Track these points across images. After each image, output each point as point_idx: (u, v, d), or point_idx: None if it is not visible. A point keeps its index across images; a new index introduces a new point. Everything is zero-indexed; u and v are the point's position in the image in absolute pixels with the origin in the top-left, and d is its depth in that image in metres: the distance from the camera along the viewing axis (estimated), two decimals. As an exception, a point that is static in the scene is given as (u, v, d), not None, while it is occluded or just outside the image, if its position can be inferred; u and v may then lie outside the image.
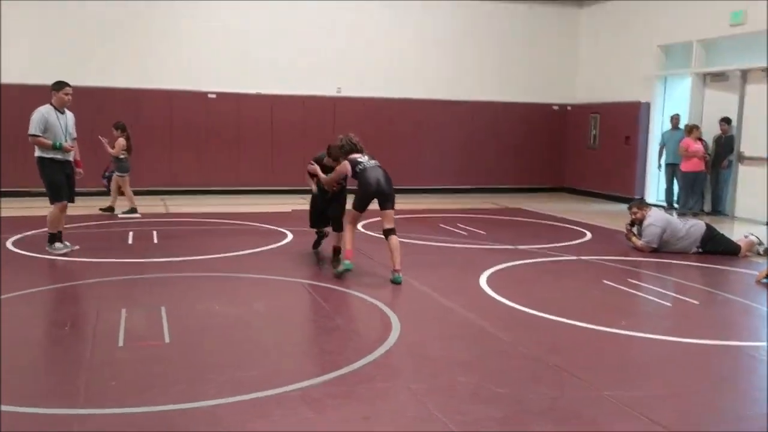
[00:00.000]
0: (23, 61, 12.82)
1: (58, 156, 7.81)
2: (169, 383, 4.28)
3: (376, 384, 4.34)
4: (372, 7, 14.99)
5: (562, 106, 16.47)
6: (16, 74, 12.75)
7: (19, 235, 8.90)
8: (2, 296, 6.05)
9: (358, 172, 7.03)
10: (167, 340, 5.06)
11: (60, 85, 7.90)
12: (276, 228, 10.00)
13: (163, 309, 5.72)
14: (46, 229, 8.10)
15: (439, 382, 4.37)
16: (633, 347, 5.23)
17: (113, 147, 11.11)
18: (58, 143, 7.72)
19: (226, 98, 14.29)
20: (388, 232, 7.03)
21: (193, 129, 14.20)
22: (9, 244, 8.37)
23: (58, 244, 8.00)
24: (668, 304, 6.42)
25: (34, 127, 7.68)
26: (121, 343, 4.93)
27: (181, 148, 14.16)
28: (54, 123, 7.74)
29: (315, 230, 8.20)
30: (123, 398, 4.02)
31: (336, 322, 5.81)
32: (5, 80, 12.75)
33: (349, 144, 7.28)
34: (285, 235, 9.44)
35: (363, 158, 7.14)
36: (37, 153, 7.81)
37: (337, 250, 7.73)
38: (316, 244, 8.28)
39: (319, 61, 14.69)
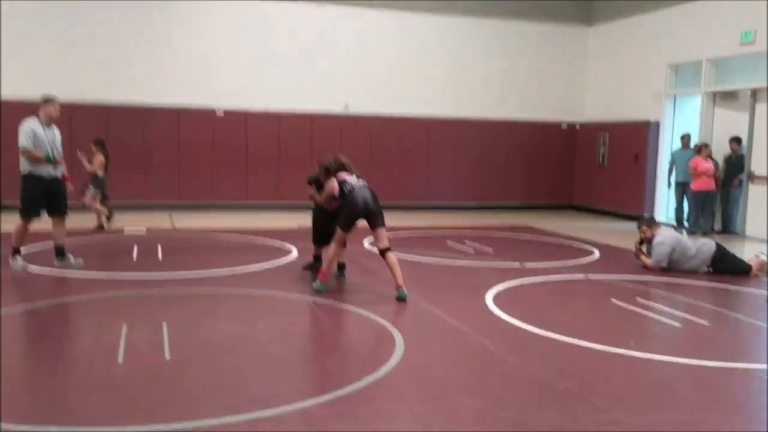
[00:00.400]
0: (28, 78, 12.82)
1: (46, 173, 7.67)
2: (167, 402, 4.19)
3: (377, 405, 4.24)
4: (380, 25, 15.01)
5: (571, 125, 16.40)
6: (20, 89, 12.73)
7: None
8: (2, 311, 5.99)
9: (345, 193, 7.01)
10: (167, 357, 4.98)
11: (48, 100, 7.81)
12: (281, 244, 9.93)
13: (164, 325, 5.64)
14: (51, 243, 8.06)
15: (443, 405, 4.26)
16: (642, 370, 5.09)
17: (91, 163, 11.02)
18: (49, 156, 7.62)
19: (234, 115, 14.30)
20: (383, 252, 6.98)
21: (200, 146, 14.20)
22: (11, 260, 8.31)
23: (18, 258, 7.84)
24: (678, 324, 6.28)
25: (22, 139, 7.54)
26: (120, 360, 4.85)
27: (188, 164, 14.16)
28: (41, 137, 7.63)
29: (314, 251, 8.06)
30: (118, 417, 3.93)
31: (338, 340, 5.72)
32: (6, 97, 12.72)
33: (335, 163, 7.27)
34: (290, 252, 9.37)
35: (350, 177, 7.13)
36: (25, 169, 7.64)
37: (340, 266, 7.80)
38: (310, 267, 8.06)
39: (328, 78, 14.70)
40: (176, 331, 5.58)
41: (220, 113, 14.20)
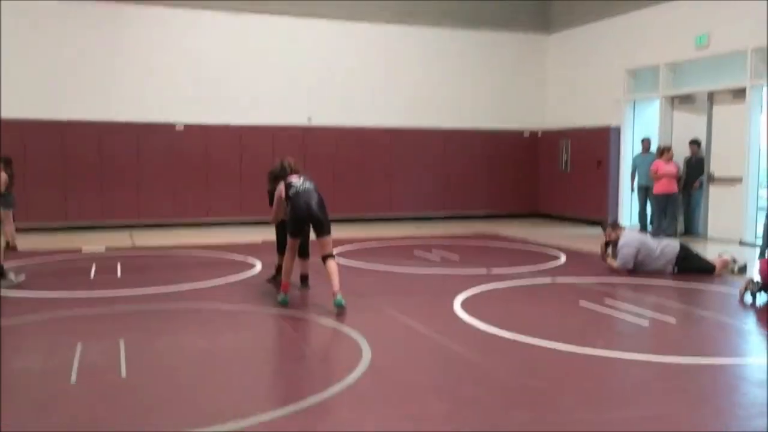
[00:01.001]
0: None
1: None
2: (122, 420, 4.00)
3: (342, 414, 4.11)
4: (342, 36, 14.97)
5: (533, 132, 16.51)
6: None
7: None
8: (-50, 334, 5.73)
9: (290, 196, 6.78)
10: (123, 375, 4.78)
11: None
12: (245, 258, 9.75)
13: (121, 342, 5.44)
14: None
15: (410, 409, 4.14)
16: (611, 369, 5.04)
17: None
18: None
19: (193, 130, 14.07)
20: (325, 258, 6.68)
21: (160, 162, 13.94)
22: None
23: None
24: (645, 324, 6.26)
25: None
26: (73, 380, 4.64)
27: (148, 181, 13.88)
28: None
29: (277, 262, 7.90)
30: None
31: (303, 351, 5.58)
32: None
33: (282, 169, 7.11)
34: (253, 266, 9.19)
35: (297, 181, 6.89)
36: None
37: (303, 277, 7.62)
38: (272, 279, 7.88)
39: (290, 91, 14.59)
40: (134, 349, 5.38)
41: (179, 128, 13.96)
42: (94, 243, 11.28)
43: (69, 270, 9.22)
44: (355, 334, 5.73)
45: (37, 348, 5.68)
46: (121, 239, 12.10)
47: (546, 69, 16.49)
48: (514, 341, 5.59)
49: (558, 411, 4.11)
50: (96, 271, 8.86)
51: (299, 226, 6.80)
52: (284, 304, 6.80)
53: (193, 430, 3.76)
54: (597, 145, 14.78)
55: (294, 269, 7.13)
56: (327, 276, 6.68)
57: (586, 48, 15.28)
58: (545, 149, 16.36)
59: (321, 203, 6.78)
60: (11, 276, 7.78)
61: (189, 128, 14.03)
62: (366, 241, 11.70)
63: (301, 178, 6.96)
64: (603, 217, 13.72)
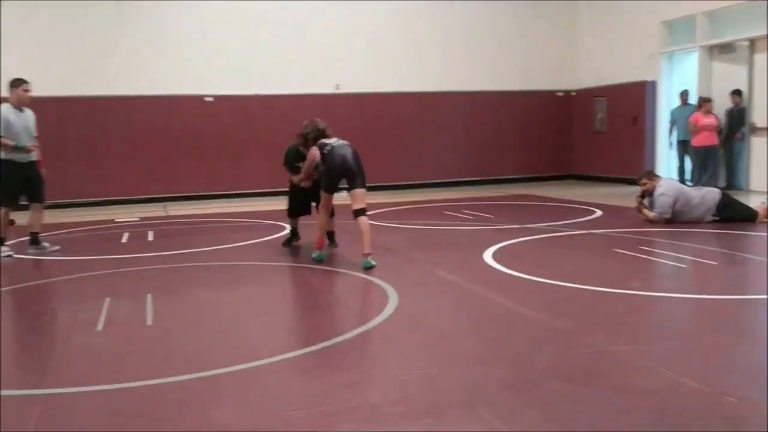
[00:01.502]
0: (11, 74, 12.55)
1: (19, 158, 7.43)
2: (146, 361, 3.98)
3: (367, 352, 4.02)
4: (366, 5, 14.73)
5: (567, 92, 16.11)
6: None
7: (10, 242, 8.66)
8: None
9: (325, 154, 6.59)
10: (149, 323, 4.76)
11: (18, 82, 7.53)
12: (274, 223, 9.70)
13: (149, 297, 5.42)
14: (32, 232, 7.79)
15: (438, 349, 4.03)
16: (648, 306, 4.86)
17: None
18: (20, 144, 7.36)
19: (223, 101, 14.05)
20: (357, 213, 6.47)
21: (191, 134, 13.95)
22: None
23: (4, 248, 7.54)
24: (684, 266, 6.04)
25: None
26: (100, 328, 4.64)
27: (180, 153, 13.91)
28: (14, 122, 7.37)
29: (290, 224, 7.80)
30: (92, 378, 3.72)
31: (329, 299, 5.51)
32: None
33: (314, 131, 6.88)
34: (283, 228, 9.13)
35: (331, 140, 6.71)
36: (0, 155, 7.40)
37: (330, 234, 7.42)
38: (287, 242, 7.78)
39: (316, 59, 14.43)
40: (161, 301, 5.37)
41: (209, 99, 13.96)
42: (127, 215, 11.36)
43: (101, 237, 9.30)
44: (383, 284, 5.62)
45: (67, 301, 5.71)
46: (154, 211, 12.18)
47: (578, 26, 16.03)
48: (545, 283, 5.43)
49: (589, 346, 3.96)
50: (128, 238, 8.91)
51: (335, 180, 6.62)
52: (320, 260, 6.65)
53: (217, 371, 3.71)
54: (632, 102, 14.35)
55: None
56: (359, 235, 6.48)
57: (618, 2, 14.79)
58: (579, 109, 15.96)
59: (356, 157, 6.58)
60: (46, 244, 7.81)
61: (218, 99, 14.01)
62: (394, 205, 11.57)
63: (334, 138, 6.84)
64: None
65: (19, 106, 7.51)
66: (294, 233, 7.73)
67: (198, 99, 13.94)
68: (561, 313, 4.60)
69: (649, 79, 14.00)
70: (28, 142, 7.49)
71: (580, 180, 15.81)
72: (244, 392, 3.43)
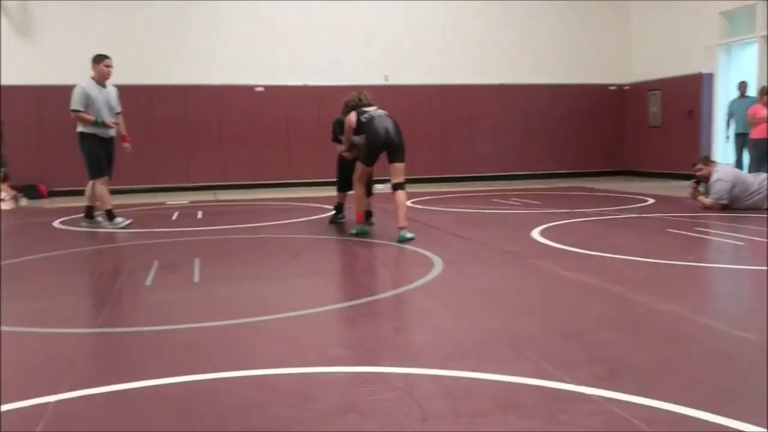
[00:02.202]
0: (67, 61, 12.96)
1: (101, 132, 7.62)
2: (193, 308, 4.03)
3: (412, 305, 4.00)
4: (418, -2, 14.76)
5: (619, 86, 15.81)
6: (61, 75, 12.89)
7: (65, 218, 8.92)
8: (46, 254, 5.96)
9: (363, 122, 6.46)
10: (196, 280, 4.83)
11: (100, 58, 7.71)
12: (321, 206, 9.76)
13: (197, 261, 5.50)
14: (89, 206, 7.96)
15: (483, 303, 3.99)
16: (703, 275, 4.72)
17: None
18: (99, 120, 7.52)
19: (273, 91, 14.22)
20: (396, 186, 6.41)
21: (241, 123, 14.15)
22: (56, 224, 8.37)
23: (118, 219, 7.68)
24: (742, 243, 5.84)
25: (75, 102, 7.50)
26: (148, 283, 4.72)
27: (230, 142, 14.12)
28: (95, 97, 7.53)
29: (337, 199, 7.82)
30: (137, 322, 3.79)
31: (374, 264, 5.49)
32: (45, 81, 12.90)
33: (355, 99, 6.83)
34: (331, 210, 9.18)
35: (370, 108, 6.62)
36: (78, 128, 7.62)
37: (367, 213, 7.34)
38: (333, 220, 7.79)
39: (366, 50, 14.49)
40: (209, 265, 5.44)
41: (259, 89, 14.14)
42: (177, 199, 11.58)
43: (152, 215, 9.49)
44: (427, 253, 5.58)
45: (119, 264, 5.84)
46: (204, 196, 12.38)
47: (631, 18, 15.74)
48: (595, 255, 5.32)
49: (640, 304, 3.85)
50: (178, 216, 9.07)
51: (376, 152, 6.51)
52: (363, 233, 6.59)
53: (264, 317, 3.73)
54: (688, 95, 14.00)
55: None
56: (394, 209, 6.43)
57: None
58: (632, 102, 15.64)
59: (398, 129, 6.49)
60: (119, 219, 7.90)
61: (268, 89, 14.18)
62: (441, 194, 11.52)
63: (373, 107, 6.79)
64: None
65: (100, 82, 7.66)
66: (339, 209, 7.73)
67: (248, 89, 14.13)
68: (612, 279, 4.49)
69: (705, 71, 13.64)
70: (109, 118, 7.64)
71: (633, 175, 15.48)
72: (291, 334, 3.45)
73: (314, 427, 2.28)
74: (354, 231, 6.67)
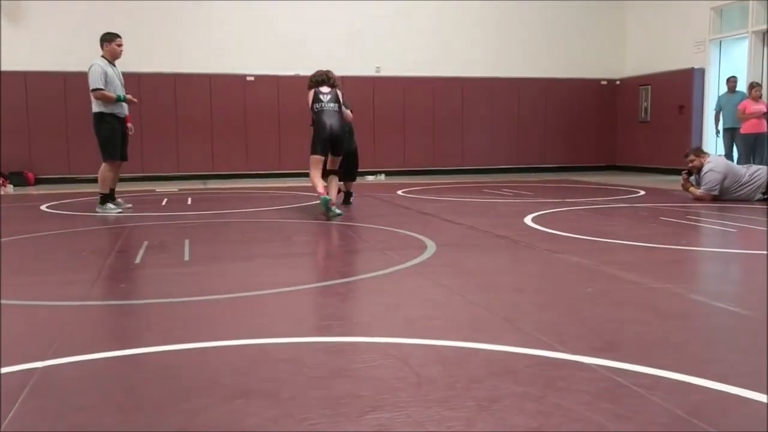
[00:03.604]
0: (54, 49, 12.82)
1: (121, 111, 7.47)
2: (183, 284, 3.97)
3: (405, 283, 3.95)
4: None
5: (611, 80, 15.84)
6: (48, 62, 12.76)
7: (53, 202, 8.81)
8: (35, 234, 5.89)
9: (315, 111, 6.95)
10: (186, 258, 4.77)
11: (111, 36, 7.55)
12: (312, 194, 9.70)
13: (186, 242, 5.44)
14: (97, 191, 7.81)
15: (477, 281, 3.96)
16: (697, 259, 4.71)
17: None
18: (122, 96, 7.42)
19: (264, 81, 14.13)
20: (328, 173, 7.01)
21: (232, 113, 14.06)
22: (44, 207, 8.27)
23: (109, 205, 7.60)
24: (733, 230, 5.84)
25: (95, 81, 7.26)
26: (138, 261, 4.66)
27: (221, 132, 14.02)
28: (112, 76, 7.40)
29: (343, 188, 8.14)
30: (127, 295, 3.73)
31: (366, 245, 5.45)
32: (34, 68, 12.76)
33: (318, 75, 7.19)
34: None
35: (325, 97, 6.97)
36: (96, 108, 7.37)
37: (348, 194, 8.10)
38: (346, 201, 8.14)
39: (358, 41, 14.43)
40: (199, 245, 5.38)
41: (250, 78, 14.05)
42: (166, 188, 11.48)
43: (142, 201, 9.39)
44: (420, 236, 5.55)
45: (108, 244, 5.77)
46: (193, 185, 12.29)
47: (624, 12, 15.77)
48: (586, 240, 5.30)
49: (634, 283, 3.83)
50: (167, 202, 8.99)
51: (322, 144, 6.91)
52: (325, 203, 6.67)
53: (258, 292, 3.69)
54: (679, 90, 14.03)
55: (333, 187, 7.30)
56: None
57: (667, -11, 14.51)
58: (623, 97, 15.67)
59: (342, 127, 6.94)
60: (120, 201, 7.88)
61: (259, 79, 14.09)
62: (431, 185, 11.49)
63: (329, 95, 6.98)
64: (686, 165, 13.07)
65: (112, 61, 7.55)
66: (347, 196, 8.17)
67: (240, 78, 14.04)
68: (604, 260, 4.47)
69: (696, 66, 13.68)
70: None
71: (623, 170, 15.52)
72: (282, 307, 3.41)
73: (308, 390, 2.24)
74: (321, 200, 6.73)
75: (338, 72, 13.99)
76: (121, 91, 7.50)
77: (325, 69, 7.39)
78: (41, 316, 3.31)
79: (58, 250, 5.43)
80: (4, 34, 12.73)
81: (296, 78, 14.20)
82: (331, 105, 6.94)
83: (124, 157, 7.76)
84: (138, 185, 12.19)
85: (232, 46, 13.89)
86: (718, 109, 12.80)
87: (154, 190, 10.96)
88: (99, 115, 7.39)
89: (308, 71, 13.89)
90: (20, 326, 3.10)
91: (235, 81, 14.02)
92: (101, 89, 7.27)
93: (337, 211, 6.77)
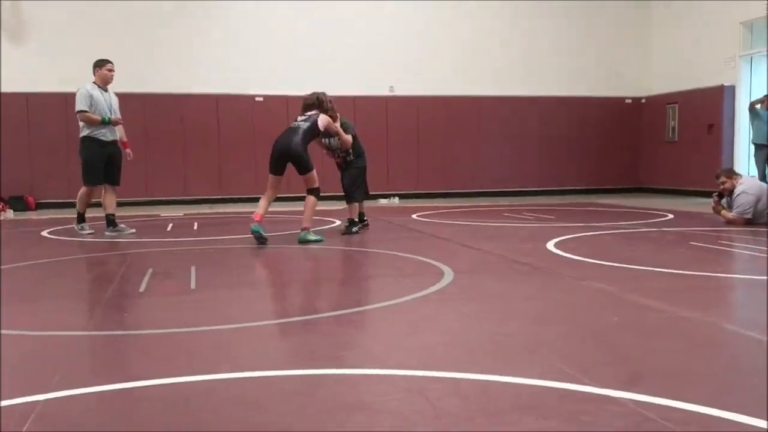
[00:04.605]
0: (64, 69, 13.02)
1: (104, 135, 7.81)
2: (189, 314, 4.00)
3: (421, 311, 3.96)
4: (427, 7, 14.80)
5: (636, 99, 15.85)
6: (56, 83, 12.95)
7: (55, 228, 8.91)
8: (37, 261, 5.95)
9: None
10: (193, 286, 4.80)
11: (102, 62, 8.00)
12: (323, 218, 9.75)
13: (193, 268, 5.47)
14: (108, 214, 8.07)
15: (497, 310, 3.96)
16: (730, 286, 4.68)
17: None
18: (106, 117, 7.77)
19: (273, 101, 14.25)
20: (307, 192, 7.15)
21: (240, 134, 14.17)
22: (45, 233, 8.36)
23: (84, 225, 7.99)
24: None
25: (80, 103, 7.73)
26: (142, 289, 4.69)
27: (228, 154, 14.14)
28: (99, 99, 7.80)
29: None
30: (131, 325, 3.75)
31: (380, 273, 5.46)
32: (42, 89, 12.97)
33: (307, 99, 7.49)
34: (333, 222, 9.18)
35: (301, 118, 7.24)
36: (83, 132, 7.81)
37: (351, 221, 7.84)
38: (346, 229, 7.93)
39: (371, 60, 14.55)
40: (206, 273, 5.41)
41: (259, 98, 14.20)
42: (172, 212, 11.57)
43: (146, 226, 9.47)
44: (437, 263, 5.54)
45: (113, 270, 5.82)
46: (200, 209, 12.37)
47: (650, 29, 15.82)
48: (611, 266, 5.28)
49: (661, 311, 3.80)
50: (173, 227, 9.06)
51: (272, 162, 7.13)
52: (255, 232, 6.81)
53: (269, 322, 3.71)
54: (708, 108, 14.01)
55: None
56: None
57: (693, 4, 14.54)
58: (649, 116, 15.66)
59: (294, 141, 6.95)
60: (123, 226, 8.16)
61: (268, 99, 14.23)
62: (449, 208, 11.51)
63: (304, 116, 7.21)
64: (716, 187, 13.00)
65: (103, 86, 7.94)
66: (352, 222, 7.93)
67: (248, 99, 14.18)
68: (630, 287, 4.45)
69: (726, 83, 13.68)
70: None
71: (650, 192, 15.46)
72: (294, 337, 3.42)
73: (321, 425, 2.24)
74: (251, 227, 6.90)
75: (350, 92, 14.31)
76: (107, 114, 7.81)
77: (320, 91, 7.60)
78: (43, 346, 3.33)
79: (61, 278, 5.48)
80: (5, 55, 12.97)
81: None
82: (297, 124, 7.14)
83: (114, 182, 8.08)
84: (143, 209, 12.29)
85: (240, 65, 14.04)
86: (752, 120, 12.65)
87: (159, 215, 11.04)
88: (82, 139, 7.86)
89: (320, 90, 14.14)
90: (22, 357, 3.13)
91: (244, 101, 14.17)
92: (85, 111, 7.71)
93: (262, 234, 6.82)
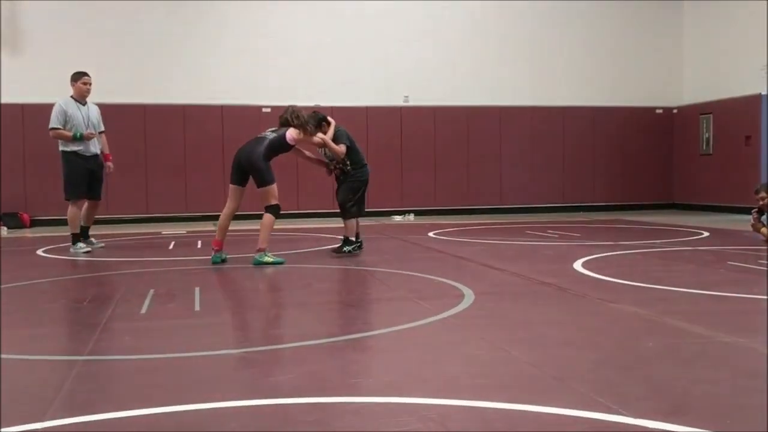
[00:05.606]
0: (54, 79, 13.08)
1: (81, 149, 8.03)
2: (194, 336, 4.00)
3: (441, 336, 3.94)
4: (443, 9, 14.89)
5: (667, 109, 15.81)
6: (48, 94, 13.00)
7: (50, 246, 8.96)
8: (34, 281, 5.98)
9: None
10: (197, 308, 4.81)
11: (78, 75, 8.22)
12: (329, 236, 9.76)
13: (197, 290, 5.48)
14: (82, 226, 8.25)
15: (521, 334, 3.94)
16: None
17: None
18: (78, 134, 7.97)
19: (281, 112, 14.30)
20: (264, 209, 7.11)
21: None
22: (41, 252, 8.41)
23: (80, 244, 8.09)
24: (812, 276, 5.74)
25: (53, 120, 8.01)
26: (143, 311, 4.70)
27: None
28: (74, 114, 8.03)
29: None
30: (132, 350, 3.75)
31: (396, 294, 5.44)
32: (30, 100, 13.08)
33: (284, 117, 7.48)
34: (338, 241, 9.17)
35: (268, 129, 7.36)
36: (61, 147, 8.08)
37: (345, 240, 7.59)
38: (338, 249, 7.70)
39: (385, 69, 14.60)
40: (211, 293, 5.43)
41: (266, 110, 14.27)
42: (174, 229, 11.62)
43: (147, 245, 9.52)
44: (456, 284, 5.53)
45: (113, 291, 5.84)
46: (203, 226, 12.41)
47: (682, 37, 15.80)
48: (644, 287, 5.25)
49: (699, 336, 3.77)
50: (175, 245, 9.10)
51: (232, 172, 7.21)
52: (216, 262, 6.92)
53: (281, 346, 3.70)
54: (745, 118, 13.95)
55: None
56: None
57: (727, 10, 14.53)
58: (682, 127, 15.61)
59: (251, 151, 6.97)
60: (93, 240, 8.41)
61: (276, 110, 14.27)
62: (469, 225, 11.49)
63: (270, 129, 7.35)
64: (756, 202, 12.92)
65: (80, 100, 8.15)
66: (346, 241, 7.65)
67: (255, 110, 14.26)
68: (666, 310, 4.42)
69: (764, 92, 13.62)
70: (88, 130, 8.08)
71: (683, 209, 15.37)
72: (307, 363, 3.41)
73: (335, 457, 2.22)
74: (212, 258, 7.01)
75: (363, 102, 14.37)
76: (83, 130, 8.01)
77: (291, 107, 7.65)
78: (40, 371, 3.34)
79: (58, 299, 5.51)
80: (4, 66, 13.12)
81: (315, 109, 14.40)
82: (263, 134, 7.21)
83: (94, 196, 8.28)
84: (143, 227, 12.36)
85: (246, 76, 14.15)
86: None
87: (160, 233, 11.09)
88: (61, 154, 8.12)
89: (328, 102, 14.25)
90: (19, 382, 3.13)
91: (250, 113, 14.23)
92: (56, 128, 7.99)
93: (220, 257, 6.97)
